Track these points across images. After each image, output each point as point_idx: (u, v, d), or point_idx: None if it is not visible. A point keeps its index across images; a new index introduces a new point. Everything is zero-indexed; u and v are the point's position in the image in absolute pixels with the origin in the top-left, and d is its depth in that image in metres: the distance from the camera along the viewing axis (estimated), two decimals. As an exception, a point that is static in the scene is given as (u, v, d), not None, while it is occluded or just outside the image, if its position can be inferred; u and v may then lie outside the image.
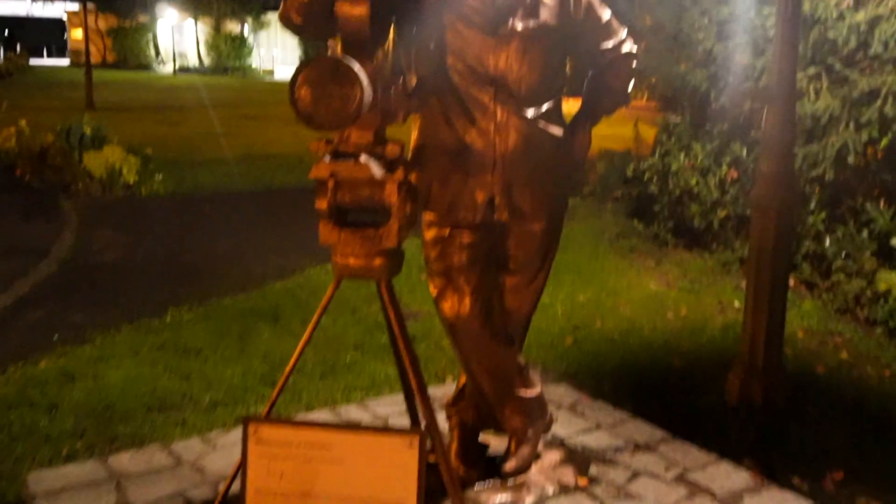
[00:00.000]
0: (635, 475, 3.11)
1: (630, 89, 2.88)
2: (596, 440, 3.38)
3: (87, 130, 9.53)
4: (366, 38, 2.18)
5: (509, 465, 2.96)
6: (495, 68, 2.57)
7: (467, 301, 2.70)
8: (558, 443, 3.31)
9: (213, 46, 40.19)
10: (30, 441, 3.31)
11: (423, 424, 2.59)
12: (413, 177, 2.34)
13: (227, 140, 13.73)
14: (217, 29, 40.21)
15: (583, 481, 3.02)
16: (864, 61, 5.51)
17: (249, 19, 39.87)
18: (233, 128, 15.73)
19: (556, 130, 2.72)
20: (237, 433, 3.27)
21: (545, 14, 2.60)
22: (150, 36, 41.42)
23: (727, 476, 3.12)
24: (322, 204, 2.27)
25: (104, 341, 4.48)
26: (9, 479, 3.02)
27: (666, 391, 3.94)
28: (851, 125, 5.43)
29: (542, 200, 2.72)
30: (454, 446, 3.01)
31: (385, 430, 2.60)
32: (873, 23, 5.31)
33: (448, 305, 2.73)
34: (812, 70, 5.71)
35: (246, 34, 40.58)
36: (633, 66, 2.83)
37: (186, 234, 7.37)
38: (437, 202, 2.68)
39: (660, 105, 9.91)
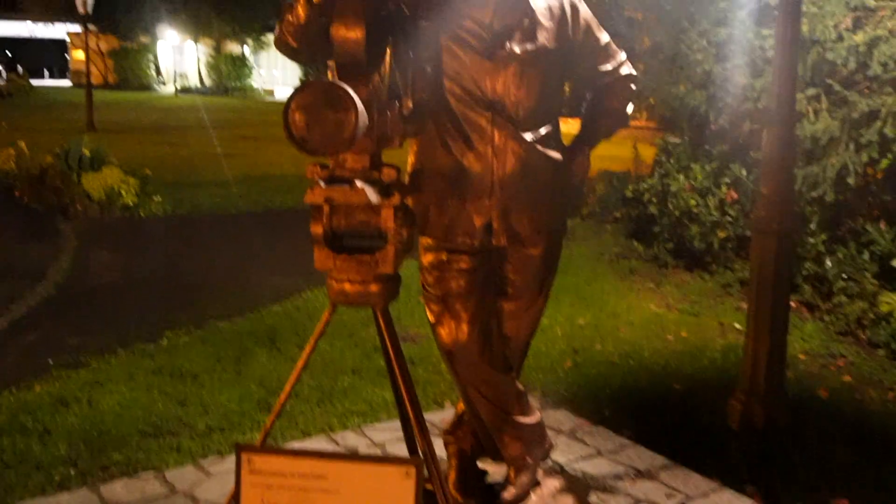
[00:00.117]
0: None
1: (629, 111, 2.86)
2: (596, 467, 3.33)
3: (87, 152, 9.56)
4: (361, 62, 2.15)
5: (508, 494, 2.90)
6: (493, 92, 2.54)
7: (465, 327, 2.66)
8: (558, 470, 3.26)
9: (213, 67, 40.51)
10: (22, 468, 3.27)
11: (420, 453, 2.55)
12: (410, 201, 2.31)
13: (227, 161, 13.75)
14: (218, 50, 40.52)
15: (583, 509, 2.97)
16: (864, 82, 5.50)
17: (250, 40, 40.15)
18: (232, 148, 15.76)
19: (555, 154, 2.68)
20: (232, 460, 3.19)
21: (543, 37, 2.57)
22: (151, 57, 41.75)
23: (729, 504, 3.07)
24: (317, 229, 2.23)
25: (99, 365, 4.44)
26: (-1, 507, 2.98)
27: (667, 415, 3.90)
28: (851, 146, 5.42)
29: (540, 225, 2.69)
30: (452, 474, 2.96)
31: (381, 459, 2.56)
32: (872, 44, 5.31)
33: (446, 332, 2.69)
34: (811, 91, 5.71)
35: (246, 55, 40.87)
36: (633, 88, 2.80)
37: (184, 255, 7.35)
38: (434, 227, 2.65)
39: (659, 125, 9.93)
